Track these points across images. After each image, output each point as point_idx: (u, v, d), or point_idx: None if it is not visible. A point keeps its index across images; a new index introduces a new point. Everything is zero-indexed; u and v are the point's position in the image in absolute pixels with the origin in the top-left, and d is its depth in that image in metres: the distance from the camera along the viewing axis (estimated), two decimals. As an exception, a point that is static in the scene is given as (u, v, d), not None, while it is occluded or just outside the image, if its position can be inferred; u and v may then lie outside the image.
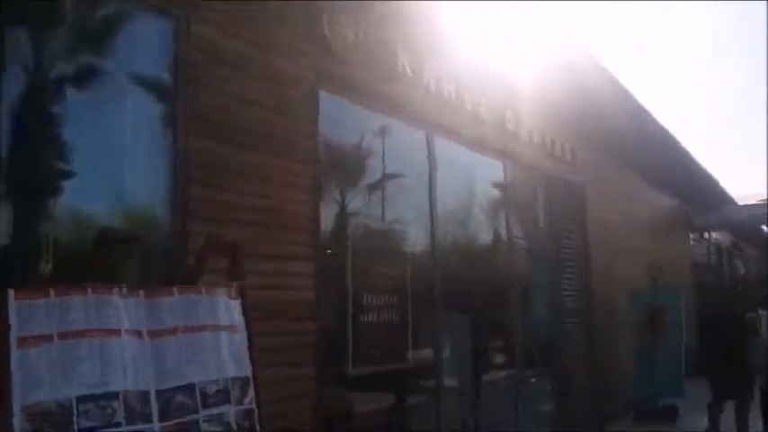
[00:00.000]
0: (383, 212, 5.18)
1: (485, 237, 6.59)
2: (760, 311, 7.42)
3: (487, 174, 6.66)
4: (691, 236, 14.89)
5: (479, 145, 6.29)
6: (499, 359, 6.56)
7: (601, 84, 7.34)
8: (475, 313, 6.13)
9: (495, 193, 6.67)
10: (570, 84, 6.80)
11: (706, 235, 16.36)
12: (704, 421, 7.11)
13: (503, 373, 6.51)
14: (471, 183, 6.36)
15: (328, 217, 4.52)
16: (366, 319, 4.76)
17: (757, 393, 6.92)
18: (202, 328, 2.27)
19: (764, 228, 19.60)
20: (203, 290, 2.35)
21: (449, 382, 5.64)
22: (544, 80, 6.44)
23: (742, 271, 22.51)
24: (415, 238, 5.56)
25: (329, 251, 4.71)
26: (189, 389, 2.14)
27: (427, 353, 5.41)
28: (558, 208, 7.72)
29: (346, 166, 4.90)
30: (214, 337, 2.30)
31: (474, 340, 6.12)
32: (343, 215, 4.79)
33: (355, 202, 4.92)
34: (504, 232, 6.63)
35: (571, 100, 7.22)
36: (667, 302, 8.68)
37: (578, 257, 8.09)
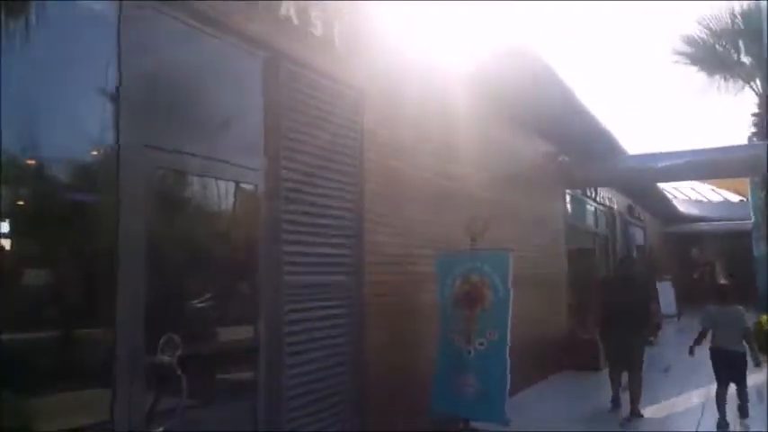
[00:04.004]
0: None
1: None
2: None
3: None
4: (568, 193, 12.18)
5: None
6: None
7: None
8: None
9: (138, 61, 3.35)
10: None
11: (591, 193, 13.76)
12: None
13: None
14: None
15: None
16: None
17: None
18: None
19: (659, 186, 17.32)
20: None
21: None
22: None
23: (639, 241, 20.41)
24: None
25: None
26: None
27: None
28: (308, 118, 4.56)
29: None
30: None
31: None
32: None
33: None
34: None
35: None
36: (490, 273, 5.72)
37: (346, 202, 5.00)
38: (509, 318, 5.52)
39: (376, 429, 5.03)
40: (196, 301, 3.70)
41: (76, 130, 3.12)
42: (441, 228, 6.51)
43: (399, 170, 5.88)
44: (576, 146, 11.47)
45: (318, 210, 4.60)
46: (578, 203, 13.14)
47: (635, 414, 7.05)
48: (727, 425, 6.56)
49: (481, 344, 5.54)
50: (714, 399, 6.72)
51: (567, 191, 11.98)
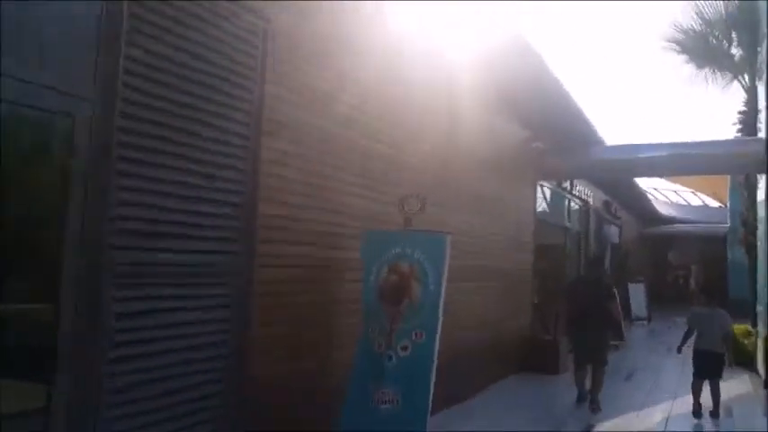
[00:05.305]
0: None
1: None
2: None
3: None
4: (542, 184, 11.06)
5: None
6: None
7: None
8: None
9: None
10: None
11: (566, 185, 12.70)
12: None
13: None
14: None
15: None
16: None
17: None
18: None
19: (639, 185, 16.30)
20: None
21: None
22: None
23: (614, 239, 19.44)
24: None
25: None
26: None
27: None
28: (176, 39, 3.38)
29: None
30: None
31: None
32: None
33: None
34: None
35: None
36: (422, 261, 4.57)
37: (231, 158, 3.82)
38: (440, 315, 4.39)
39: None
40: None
41: None
42: (374, 204, 5.37)
43: (320, 127, 4.70)
44: (552, 132, 10.38)
45: (182, 164, 3.41)
46: (551, 195, 12.06)
47: (594, 405, 7.08)
48: (701, 412, 6.83)
49: (404, 348, 4.40)
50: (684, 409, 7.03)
51: (541, 182, 10.88)
